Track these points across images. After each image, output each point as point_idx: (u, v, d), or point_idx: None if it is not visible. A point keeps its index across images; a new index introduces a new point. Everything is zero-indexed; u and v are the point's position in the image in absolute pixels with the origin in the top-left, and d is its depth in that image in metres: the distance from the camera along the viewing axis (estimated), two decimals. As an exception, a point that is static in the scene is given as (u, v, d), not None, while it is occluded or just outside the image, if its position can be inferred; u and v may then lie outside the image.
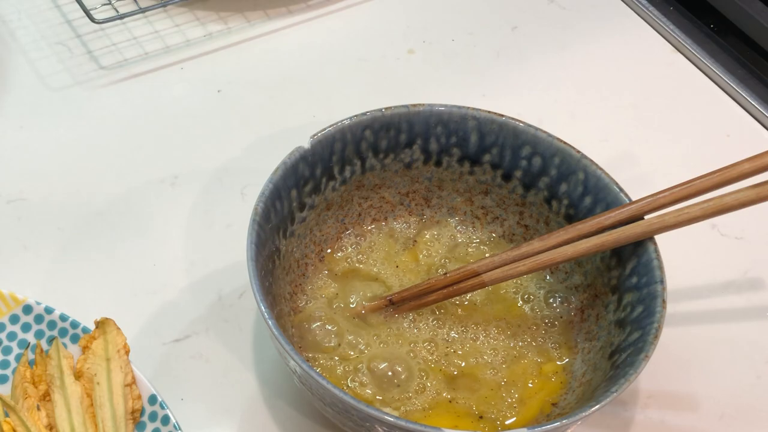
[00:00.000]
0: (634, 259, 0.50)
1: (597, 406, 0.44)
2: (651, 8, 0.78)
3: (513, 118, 0.54)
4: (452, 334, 0.53)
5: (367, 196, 0.57)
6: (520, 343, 0.53)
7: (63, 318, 0.51)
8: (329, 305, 0.54)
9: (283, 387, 0.54)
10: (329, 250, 0.56)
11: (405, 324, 0.53)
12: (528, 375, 0.52)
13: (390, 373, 0.51)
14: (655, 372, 0.55)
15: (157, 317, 0.56)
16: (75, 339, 0.50)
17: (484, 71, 0.73)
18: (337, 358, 0.51)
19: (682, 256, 0.57)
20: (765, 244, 0.63)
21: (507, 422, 0.50)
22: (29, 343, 0.51)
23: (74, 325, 0.51)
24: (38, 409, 0.48)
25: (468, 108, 0.54)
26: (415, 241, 0.58)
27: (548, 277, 0.56)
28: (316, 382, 0.43)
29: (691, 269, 0.61)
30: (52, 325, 0.51)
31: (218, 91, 0.70)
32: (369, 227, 0.58)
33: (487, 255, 0.55)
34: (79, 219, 0.61)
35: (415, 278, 0.56)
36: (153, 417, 0.48)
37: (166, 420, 0.48)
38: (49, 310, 0.51)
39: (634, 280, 0.50)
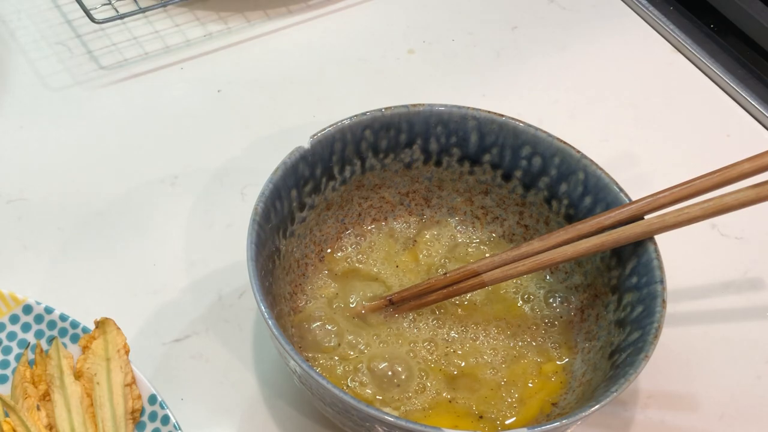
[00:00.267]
0: (634, 259, 0.50)
1: (597, 406, 0.44)
2: (651, 8, 0.78)
3: (513, 118, 0.54)
4: (452, 334, 0.53)
5: (367, 196, 0.57)
6: (520, 343, 0.53)
7: (63, 318, 0.51)
8: (329, 305, 0.54)
9: (283, 387, 0.54)
10: (329, 250, 0.56)
11: (405, 324, 0.53)
12: (528, 375, 0.52)
13: (390, 373, 0.51)
14: (655, 372, 0.55)
15: (157, 317, 0.56)
16: (75, 339, 0.50)
17: (484, 71, 0.73)
18: (337, 358, 0.51)
19: (682, 256, 0.57)
20: (765, 244, 0.63)
21: (507, 422, 0.50)
22: (29, 343, 0.51)
23: (74, 325, 0.51)
24: (38, 409, 0.48)
25: (468, 108, 0.54)
26: (415, 241, 0.58)
27: (548, 277, 0.56)
28: (316, 382, 0.43)
29: (691, 269, 0.61)
30: (52, 325, 0.51)
31: (218, 91, 0.70)
32: (369, 227, 0.58)
33: (487, 255, 0.55)
34: (79, 219, 0.61)
35: (415, 278, 0.56)
36: (153, 417, 0.48)
37: (166, 420, 0.48)
38: (49, 310, 0.51)
39: (634, 280, 0.50)
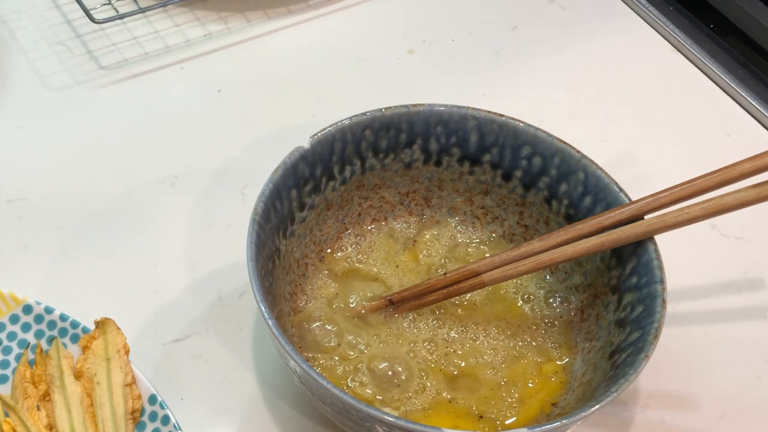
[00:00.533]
0: (634, 259, 0.50)
1: (597, 406, 0.44)
2: (651, 8, 0.78)
3: (513, 118, 0.54)
4: (452, 334, 0.53)
5: (367, 196, 0.57)
6: (520, 343, 0.53)
7: (63, 318, 0.51)
8: (329, 305, 0.54)
9: (283, 387, 0.54)
10: (329, 250, 0.56)
11: (405, 324, 0.53)
12: (528, 375, 0.52)
13: (390, 373, 0.51)
14: (655, 372, 0.55)
15: (157, 317, 0.56)
16: (75, 339, 0.50)
17: (484, 71, 0.73)
18: (337, 358, 0.51)
19: (682, 256, 0.57)
20: (765, 244, 0.63)
21: (507, 422, 0.50)
22: (29, 343, 0.51)
23: (74, 325, 0.51)
24: (38, 409, 0.48)
25: (468, 108, 0.54)
26: (415, 241, 0.58)
27: (548, 277, 0.56)
28: (316, 382, 0.43)
29: (691, 269, 0.61)
30: (52, 325, 0.51)
31: (218, 91, 0.70)
32: (369, 227, 0.58)
33: (487, 255, 0.55)
34: (79, 219, 0.61)
35: (415, 278, 0.56)
36: (153, 417, 0.48)
37: (166, 420, 0.48)
38: (49, 310, 0.51)
39: (634, 280, 0.50)
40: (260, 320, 0.56)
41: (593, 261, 0.53)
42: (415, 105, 0.54)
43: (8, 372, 0.51)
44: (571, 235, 0.51)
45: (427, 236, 0.58)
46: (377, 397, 0.50)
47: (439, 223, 0.58)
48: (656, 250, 0.49)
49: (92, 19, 0.70)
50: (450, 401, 0.50)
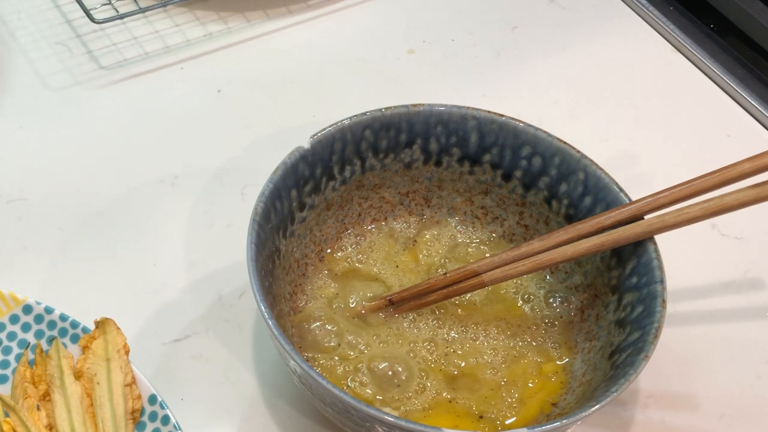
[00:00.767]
0: (634, 259, 0.50)
1: (597, 406, 0.44)
2: (651, 8, 0.78)
3: (513, 118, 0.54)
4: (452, 334, 0.53)
5: (367, 196, 0.57)
6: (520, 343, 0.53)
7: (63, 318, 0.51)
8: (329, 305, 0.54)
9: (283, 387, 0.54)
10: (329, 250, 0.56)
11: (405, 324, 0.53)
12: (528, 375, 0.52)
13: (390, 373, 0.51)
14: (655, 372, 0.55)
15: (157, 317, 0.56)
16: (75, 339, 0.50)
17: (484, 71, 0.73)
18: (337, 358, 0.51)
19: (682, 256, 0.57)
20: (765, 244, 0.63)
21: (507, 422, 0.50)
22: (29, 343, 0.51)
23: (74, 325, 0.51)
24: (38, 409, 0.48)
25: (468, 108, 0.54)
26: (415, 241, 0.58)
27: (548, 277, 0.56)
28: (316, 382, 0.43)
29: (691, 269, 0.61)
30: (52, 325, 0.51)
31: (218, 91, 0.70)
32: (369, 227, 0.58)
33: (487, 255, 0.55)
34: (79, 219, 0.61)
35: (415, 278, 0.56)
36: (153, 417, 0.48)
37: (166, 420, 0.48)
38: (49, 310, 0.51)
39: (634, 280, 0.50)
40: (260, 320, 0.56)
41: (593, 261, 0.53)
42: (415, 105, 0.54)
43: (8, 372, 0.51)
44: (571, 235, 0.51)
45: (427, 236, 0.58)
46: (377, 397, 0.50)
47: (439, 223, 0.58)
48: (656, 250, 0.49)
49: (92, 19, 0.70)
50: (450, 401, 0.50)
